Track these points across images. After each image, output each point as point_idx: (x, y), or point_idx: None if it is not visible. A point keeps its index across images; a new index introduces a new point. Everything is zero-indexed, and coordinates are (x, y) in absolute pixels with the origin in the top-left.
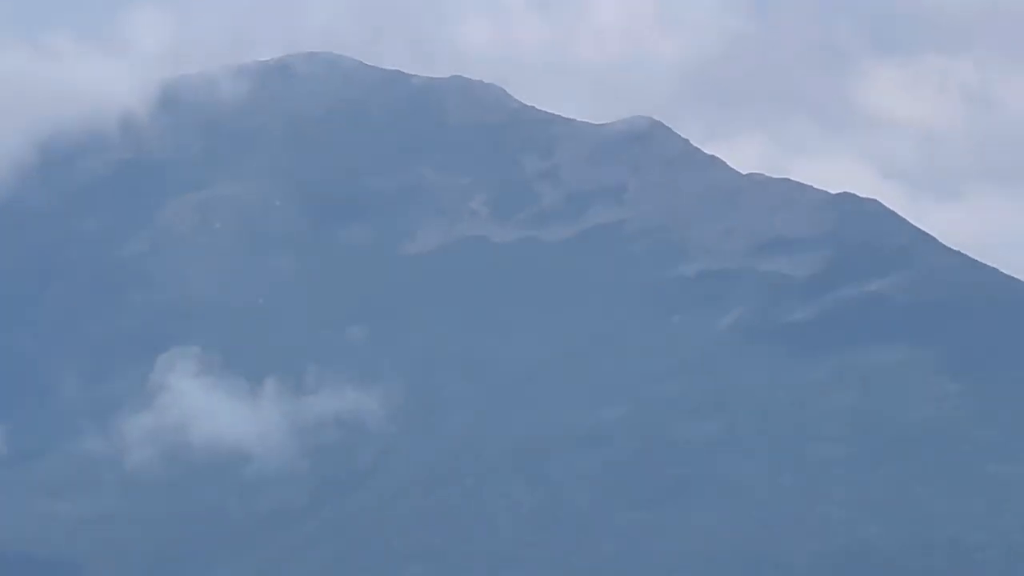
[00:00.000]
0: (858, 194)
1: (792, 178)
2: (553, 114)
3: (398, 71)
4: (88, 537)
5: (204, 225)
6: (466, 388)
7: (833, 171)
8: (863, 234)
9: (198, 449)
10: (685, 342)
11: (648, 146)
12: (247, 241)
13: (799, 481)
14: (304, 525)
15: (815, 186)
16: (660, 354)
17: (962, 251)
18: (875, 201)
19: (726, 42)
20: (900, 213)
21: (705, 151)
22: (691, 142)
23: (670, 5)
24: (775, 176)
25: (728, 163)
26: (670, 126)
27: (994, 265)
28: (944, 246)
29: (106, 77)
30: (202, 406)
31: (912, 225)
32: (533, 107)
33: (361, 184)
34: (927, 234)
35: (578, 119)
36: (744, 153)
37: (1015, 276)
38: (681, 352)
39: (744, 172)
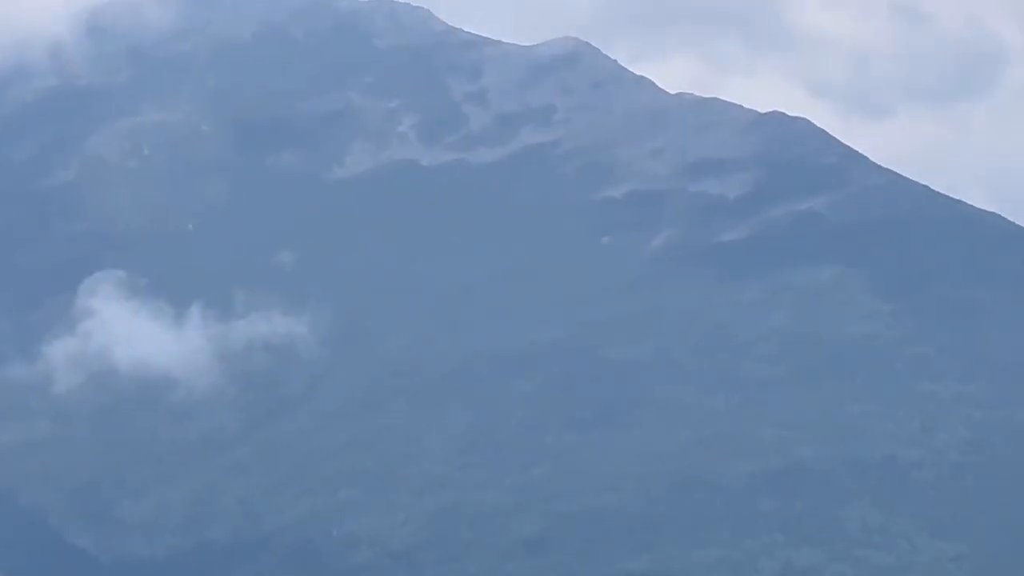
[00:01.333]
0: (787, 113)
1: (721, 97)
2: (480, 36)
3: None
4: (19, 464)
5: (132, 152)
6: (397, 312)
7: (762, 90)
8: (793, 153)
9: (124, 375)
10: (616, 264)
11: (576, 67)
12: (176, 167)
13: (732, 401)
14: (235, 450)
15: (744, 105)
16: (591, 276)
17: (893, 169)
18: (805, 120)
19: None
20: (830, 132)
21: (634, 71)
22: (619, 63)
23: None
24: (704, 96)
25: (657, 83)
26: (598, 47)
27: (925, 183)
28: (875, 164)
29: (31, 3)
30: (126, 331)
31: (842, 143)
32: (460, 29)
33: (289, 109)
34: (857, 152)
35: (505, 41)
36: (673, 73)
37: (946, 193)
38: (612, 274)
39: (673, 92)
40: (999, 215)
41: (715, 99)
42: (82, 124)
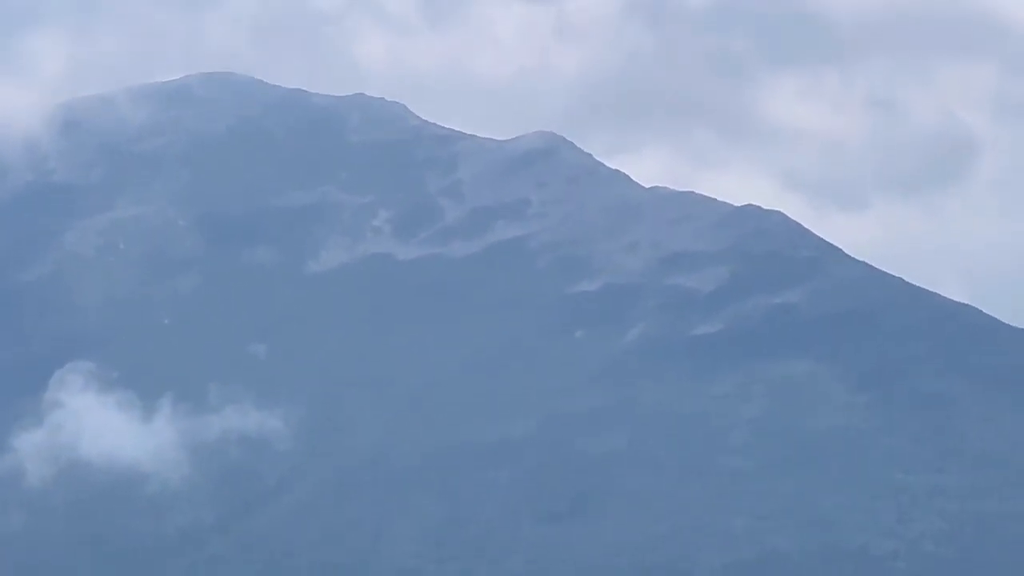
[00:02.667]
0: (762, 206)
1: (696, 191)
2: (455, 130)
3: (299, 89)
4: None
5: (108, 247)
6: (371, 405)
7: (737, 183)
8: (767, 246)
9: (97, 468)
10: (590, 356)
11: (551, 161)
12: (151, 263)
13: (706, 493)
14: (210, 545)
15: (719, 199)
16: (565, 369)
17: (867, 261)
18: (779, 213)
19: (625, 55)
20: (804, 224)
21: (608, 165)
22: (594, 156)
23: (567, 19)
24: (679, 189)
25: (632, 177)
26: (573, 140)
27: (899, 274)
28: (849, 256)
29: (5, 99)
30: (97, 424)
31: (816, 236)
32: (435, 124)
33: (264, 204)
34: (832, 245)
35: (480, 135)
36: (648, 166)
37: (920, 285)
38: (586, 366)
39: (647, 186)
40: (973, 307)
41: (690, 192)
42: (58, 220)
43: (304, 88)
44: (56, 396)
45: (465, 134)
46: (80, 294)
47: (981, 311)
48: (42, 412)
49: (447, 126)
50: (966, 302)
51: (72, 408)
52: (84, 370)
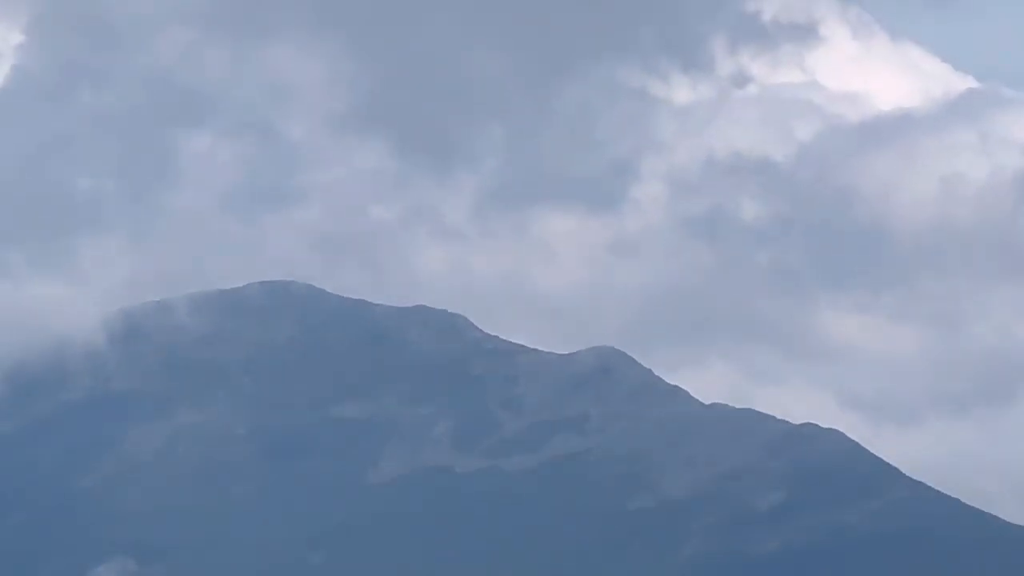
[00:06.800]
0: (820, 424)
1: (755, 407)
2: (516, 343)
3: (361, 300)
4: None
5: (166, 454)
6: None
7: (795, 399)
8: (825, 465)
9: None
10: (645, 572)
11: (611, 376)
12: (209, 471)
13: None
14: None
15: (777, 416)
16: None
17: (924, 481)
18: (836, 431)
19: (682, 270)
20: (861, 443)
21: (668, 381)
22: (653, 372)
23: (623, 232)
24: (738, 406)
25: (691, 392)
26: (632, 355)
27: (956, 495)
28: (906, 476)
29: (66, 304)
30: None
31: (873, 455)
32: (496, 336)
33: (324, 414)
34: (888, 464)
35: (541, 349)
36: (707, 382)
37: (977, 507)
38: None
39: (707, 402)
40: None
41: (748, 410)
42: (117, 426)
43: (365, 299)
44: None
45: (525, 347)
46: (135, 500)
47: None
48: None
49: (507, 338)
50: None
51: None
52: (123, 567)
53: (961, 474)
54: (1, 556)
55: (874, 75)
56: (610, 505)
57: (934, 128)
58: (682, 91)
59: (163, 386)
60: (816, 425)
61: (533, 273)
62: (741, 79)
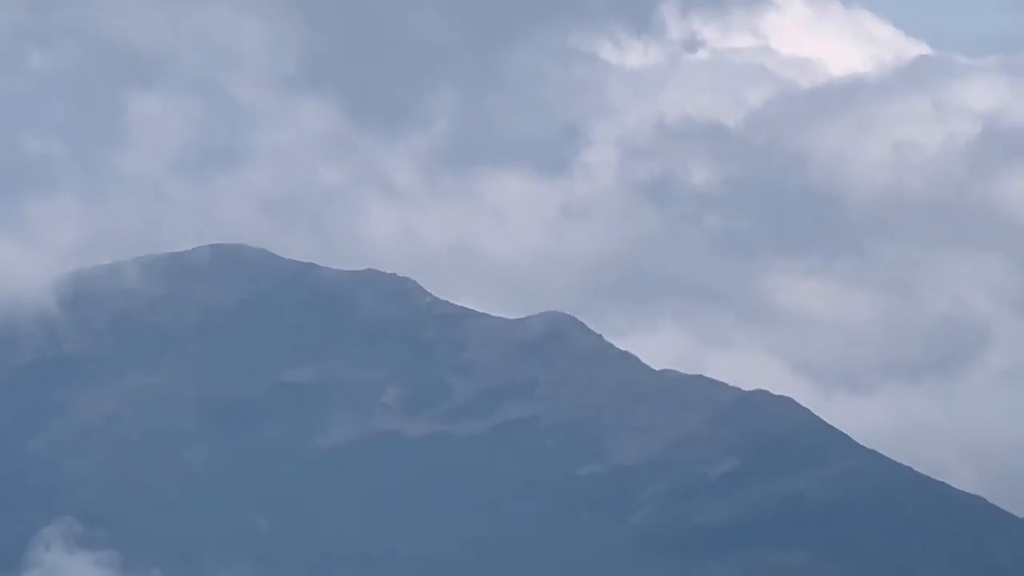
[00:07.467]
0: (771, 391)
1: (706, 374)
2: (466, 308)
3: (311, 263)
4: None
5: (116, 418)
6: None
7: (746, 366)
8: (776, 432)
9: None
10: (596, 540)
11: (561, 341)
12: (157, 434)
13: None
14: None
15: (728, 383)
16: (571, 552)
17: (876, 449)
18: (788, 399)
19: (633, 235)
20: (813, 410)
21: (618, 346)
22: (604, 337)
23: (574, 197)
24: (688, 372)
25: (641, 359)
26: (583, 321)
27: (908, 463)
28: (858, 444)
29: (16, 267)
30: None
31: (825, 423)
32: (447, 301)
33: (273, 378)
34: (840, 432)
35: (491, 313)
36: (657, 348)
37: (928, 475)
38: (592, 550)
39: (658, 368)
40: (983, 499)
41: (700, 376)
42: (66, 389)
43: (315, 262)
44: (36, 554)
45: (475, 312)
46: (84, 463)
47: (990, 502)
48: (21, 568)
49: (457, 303)
50: (976, 493)
51: (50, 566)
52: (69, 530)
53: (913, 442)
54: None
55: (827, 41)
56: (560, 471)
57: (887, 95)
58: (633, 55)
59: (113, 350)
60: (767, 392)
61: (483, 237)
62: (693, 44)
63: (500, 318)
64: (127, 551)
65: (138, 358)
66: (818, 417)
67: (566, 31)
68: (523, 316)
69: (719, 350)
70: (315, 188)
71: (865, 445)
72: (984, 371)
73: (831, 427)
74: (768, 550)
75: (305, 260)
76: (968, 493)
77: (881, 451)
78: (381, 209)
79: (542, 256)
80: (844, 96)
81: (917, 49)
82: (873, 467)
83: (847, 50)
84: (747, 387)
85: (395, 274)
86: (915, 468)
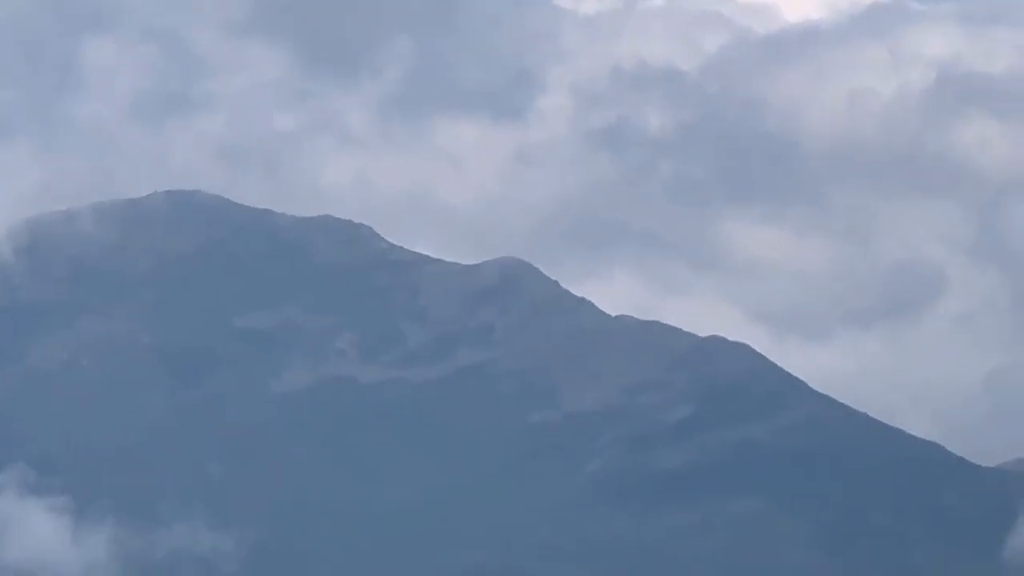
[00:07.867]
0: (726, 337)
1: (662, 320)
2: (420, 254)
3: (267, 210)
4: None
5: (71, 365)
6: (327, 530)
7: (702, 313)
8: (731, 379)
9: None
10: (551, 486)
11: (516, 287)
12: (113, 381)
13: None
14: None
15: (683, 329)
16: (526, 499)
17: (831, 396)
18: (743, 345)
19: (588, 181)
20: (768, 356)
21: (574, 292)
22: (559, 283)
23: (528, 143)
24: (644, 319)
25: (597, 304)
26: (538, 267)
27: (863, 410)
28: (813, 390)
29: None
30: (29, 529)
31: (781, 369)
32: (401, 247)
33: (228, 324)
34: (796, 378)
35: (446, 259)
36: (613, 294)
37: (884, 421)
38: (547, 497)
39: (613, 314)
40: (938, 444)
41: (655, 322)
42: (20, 336)
43: (271, 208)
44: None
45: (430, 258)
46: (39, 410)
47: (946, 449)
48: None
49: (411, 249)
50: (929, 438)
51: (3, 512)
52: (23, 477)
53: (868, 389)
54: None
55: None
56: (514, 418)
57: (842, 41)
58: (588, 1)
59: (68, 297)
60: (723, 338)
61: (438, 183)
62: None
63: (455, 264)
64: (81, 498)
65: (93, 305)
66: (773, 363)
67: None
68: (478, 262)
69: (675, 296)
70: (270, 134)
71: (820, 391)
72: (939, 318)
73: (787, 373)
74: (724, 497)
75: (260, 207)
76: (923, 439)
77: (836, 397)
78: (336, 156)
79: (497, 202)
80: (800, 43)
81: None
82: (829, 413)
83: None
84: (703, 333)
85: (350, 220)
86: (870, 414)
